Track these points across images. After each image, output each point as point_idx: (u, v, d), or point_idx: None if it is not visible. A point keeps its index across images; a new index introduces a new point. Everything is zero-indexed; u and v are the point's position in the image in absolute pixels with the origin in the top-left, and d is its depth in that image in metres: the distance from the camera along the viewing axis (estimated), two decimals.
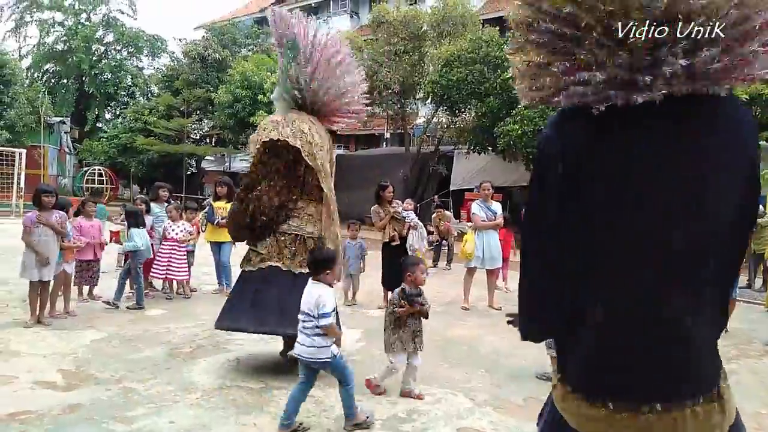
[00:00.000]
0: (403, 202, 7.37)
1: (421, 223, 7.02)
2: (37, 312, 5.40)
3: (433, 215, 11.27)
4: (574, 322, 1.40)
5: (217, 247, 7.30)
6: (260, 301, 4.15)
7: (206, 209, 7.48)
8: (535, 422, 1.61)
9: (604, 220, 1.31)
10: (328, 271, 3.31)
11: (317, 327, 3.18)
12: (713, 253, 1.34)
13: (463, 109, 17.00)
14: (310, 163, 4.27)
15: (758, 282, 9.57)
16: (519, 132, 13.62)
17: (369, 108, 20.78)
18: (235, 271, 7.76)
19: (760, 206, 9.34)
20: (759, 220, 8.54)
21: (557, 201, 1.35)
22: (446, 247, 10.92)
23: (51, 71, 33.62)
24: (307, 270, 3.56)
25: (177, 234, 6.84)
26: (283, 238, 4.34)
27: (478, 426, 3.49)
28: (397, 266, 6.77)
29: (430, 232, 10.62)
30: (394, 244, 6.81)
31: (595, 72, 1.22)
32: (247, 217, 4.38)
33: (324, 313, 3.16)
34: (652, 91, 1.18)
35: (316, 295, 3.21)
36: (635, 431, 1.32)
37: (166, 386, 3.87)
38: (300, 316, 3.26)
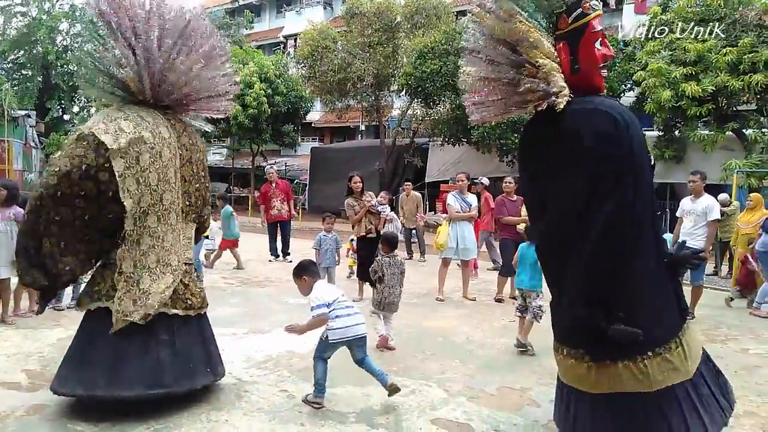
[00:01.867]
0: (377, 195, 7.35)
1: (395, 216, 7.02)
2: (0, 311, 5.24)
3: (402, 193, 11.18)
4: None
5: None
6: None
7: None
8: (508, 411, 1.71)
9: None
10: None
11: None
12: None
13: (437, 101, 17.03)
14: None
15: (724, 269, 9.85)
16: (492, 124, 13.68)
17: (343, 100, 20.44)
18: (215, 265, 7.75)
19: (726, 195, 9.58)
20: (725, 209, 8.76)
21: None
22: (416, 240, 10.89)
23: (12, 62, 32.49)
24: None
25: None
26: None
27: (452, 416, 3.51)
28: (372, 259, 6.81)
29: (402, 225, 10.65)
30: (370, 236, 6.80)
31: None
32: None
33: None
34: None
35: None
36: None
37: None
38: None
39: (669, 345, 2.75)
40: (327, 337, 3.54)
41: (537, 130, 3.03)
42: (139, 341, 3.31)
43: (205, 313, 3.78)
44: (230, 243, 8.89)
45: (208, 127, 4.11)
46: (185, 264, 3.60)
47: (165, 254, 3.46)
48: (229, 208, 9.10)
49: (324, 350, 3.59)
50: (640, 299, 2.76)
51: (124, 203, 3.29)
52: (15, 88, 27.46)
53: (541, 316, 4.73)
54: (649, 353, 2.71)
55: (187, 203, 3.68)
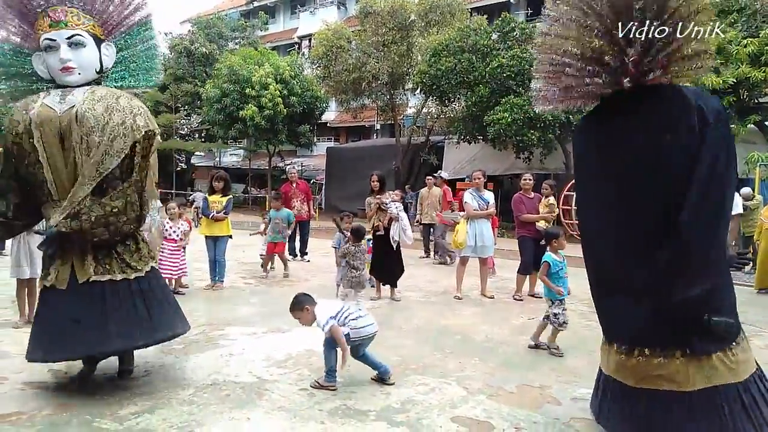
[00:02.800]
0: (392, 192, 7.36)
1: (404, 215, 6.99)
2: (26, 312, 5.35)
3: (424, 188, 10.78)
4: None
5: (212, 241, 7.25)
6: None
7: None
8: (528, 409, 1.71)
9: None
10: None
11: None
12: None
13: (452, 99, 16.98)
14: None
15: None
16: (509, 120, 13.61)
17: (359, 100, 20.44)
18: (231, 265, 7.82)
19: (749, 189, 9.41)
20: (748, 203, 8.61)
21: None
22: (434, 239, 10.70)
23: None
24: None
25: (177, 235, 6.85)
26: None
27: (471, 414, 3.50)
28: (383, 256, 6.83)
29: (418, 222, 10.53)
30: (378, 234, 6.84)
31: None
32: None
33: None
34: None
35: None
36: None
37: (158, 383, 3.85)
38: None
39: (741, 334, 2.82)
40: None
41: (615, 118, 2.94)
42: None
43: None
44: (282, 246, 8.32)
45: None
46: None
47: None
48: (286, 211, 8.47)
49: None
50: (729, 288, 2.82)
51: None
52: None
53: (564, 323, 4.79)
54: (734, 342, 2.73)
55: None
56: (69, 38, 3.48)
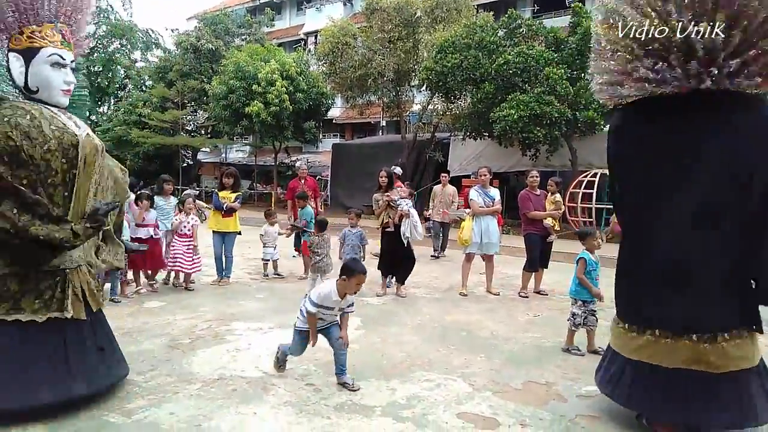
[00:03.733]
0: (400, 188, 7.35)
1: (415, 211, 6.99)
2: None
3: (437, 185, 10.76)
4: None
5: (220, 237, 7.28)
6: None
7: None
8: (534, 406, 1.70)
9: None
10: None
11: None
12: None
13: (458, 96, 16.93)
14: None
15: None
16: (515, 117, 13.56)
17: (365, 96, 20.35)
18: (237, 261, 7.84)
19: None
20: None
21: None
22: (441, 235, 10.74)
23: None
24: None
25: (188, 230, 6.87)
26: None
27: (477, 411, 3.51)
28: (393, 253, 6.83)
29: (426, 219, 10.52)
30: (387, 230, 6.84)
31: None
32: None
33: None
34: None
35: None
36: None
37: (165, 378, 3.88)
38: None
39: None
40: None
41: (686, 116, 3.04)
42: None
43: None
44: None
45: None
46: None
47: None
48: (309, 208, 8.24)
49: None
50: None
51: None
52: None
53: (578, 325, 4.81)
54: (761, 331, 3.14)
55: None
56: (71, 62, 3.43)
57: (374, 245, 8.22)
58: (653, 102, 3.12)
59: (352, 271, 3.69)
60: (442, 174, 11.01)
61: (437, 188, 10.67)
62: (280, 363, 4.03)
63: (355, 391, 3.73)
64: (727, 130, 2.94)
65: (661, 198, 3.13)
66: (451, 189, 10.55)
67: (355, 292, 3.82)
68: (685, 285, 3.05)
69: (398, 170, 9.62)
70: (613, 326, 3.45)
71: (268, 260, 8.09)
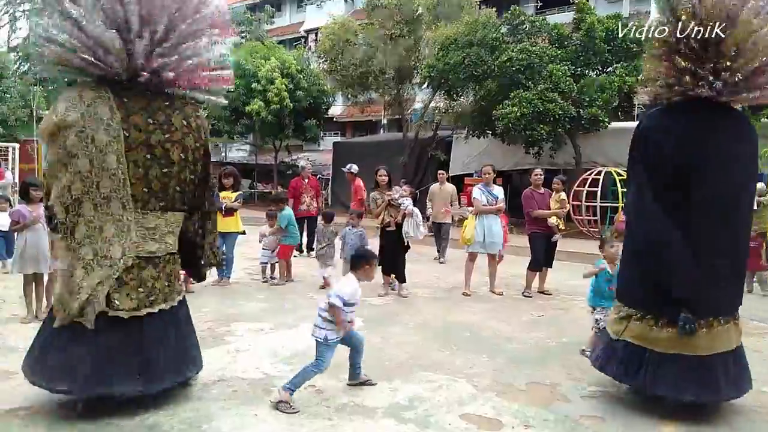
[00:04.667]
0: (400, 187, 7.27)
1: (417, 210, 6.93)
2: (34, 307, 5.36)
3: (435, 184, 10.25)
4: None
5: (221, 237, 7.22)
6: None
7: None
8: (538, 407, 1.69)
9: None
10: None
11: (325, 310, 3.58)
12: None
13: (460, 93, 16.82)
14: None
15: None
16: (518, 114, 13.46)
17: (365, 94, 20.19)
18: (236, 261, 7.80)
19: (762, 185, 9.27)
20: (760, 199, 8.47)
21: None
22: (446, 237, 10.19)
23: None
24: None
25: None
26: None
27: (481, 412, 3.47)
28: (394, 252, 6.78)
29: (427, 218, 10.33)
30: (389, 229, 6.78)
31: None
32: None
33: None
34: None
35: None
36: None
37: None
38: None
39: None
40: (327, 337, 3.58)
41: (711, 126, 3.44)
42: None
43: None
44: (291, 249, 8.03)
45: (208, 98, 3.65)
46: (147, 256, 3.36)
47: (105, 246, 3.22)
48: (288, 210, 8.12)
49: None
50: None
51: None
52: (43, 89, 28.13)
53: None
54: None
55: (145, 190, 3.32)
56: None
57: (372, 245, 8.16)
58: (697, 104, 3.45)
59: (371, 256, 3.89)
60: (440, 172, 10.63)
61: (434, 187, 10.16)
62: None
63: (373, 385, 3.79)
64: (751, 139, 3.55)
65: (738, 199, 3.52)
66: (450, 188, 10.03)
67: (371, 279, 3.94)
68: (738, 277, 3.66)
69: (354, 168, 9.49)
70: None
71: (266, 263, 7.89)
